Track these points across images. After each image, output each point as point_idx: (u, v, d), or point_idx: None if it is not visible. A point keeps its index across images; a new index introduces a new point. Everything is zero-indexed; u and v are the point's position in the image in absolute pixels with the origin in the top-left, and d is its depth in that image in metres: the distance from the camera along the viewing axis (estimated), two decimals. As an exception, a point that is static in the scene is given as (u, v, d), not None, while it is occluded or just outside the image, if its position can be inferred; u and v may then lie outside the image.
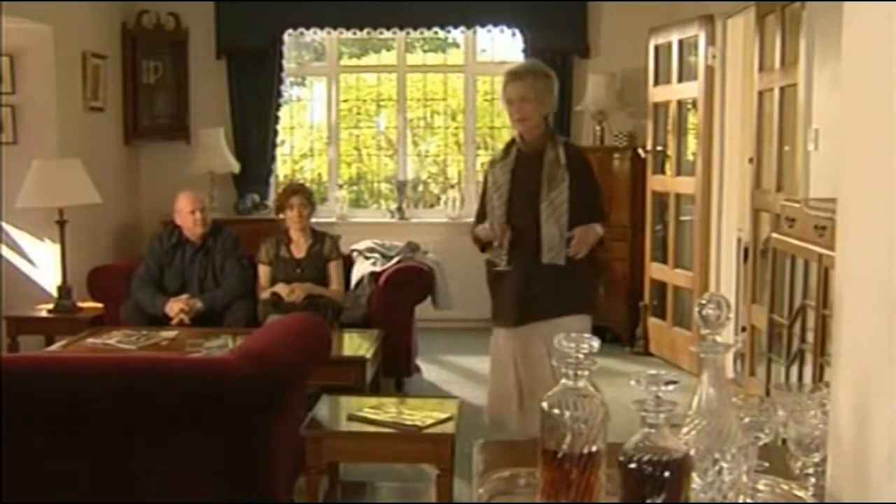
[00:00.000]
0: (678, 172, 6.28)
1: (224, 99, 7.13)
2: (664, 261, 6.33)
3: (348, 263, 5.65)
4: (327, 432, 3.44)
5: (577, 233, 3.55)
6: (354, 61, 7.98)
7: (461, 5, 6.95)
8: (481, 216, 3.84)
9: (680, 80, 6.13)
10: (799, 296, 3.96)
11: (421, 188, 7.89)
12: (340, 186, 7.60)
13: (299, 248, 5.40)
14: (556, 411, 1.43)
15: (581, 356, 1.44)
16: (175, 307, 5.07)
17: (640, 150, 6.51)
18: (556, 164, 3.61)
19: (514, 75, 3.71)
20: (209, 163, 6.86)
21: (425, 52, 8.03)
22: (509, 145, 3.79)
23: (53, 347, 4.78)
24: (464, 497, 3.35)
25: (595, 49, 7.04)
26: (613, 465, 1.34)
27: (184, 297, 5.13)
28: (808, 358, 3.81)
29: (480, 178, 7.94)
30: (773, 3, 4.80)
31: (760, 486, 1.51)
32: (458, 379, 5.81)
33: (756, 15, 5.08)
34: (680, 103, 6.20)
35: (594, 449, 1.40)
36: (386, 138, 7.93)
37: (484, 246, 3.80)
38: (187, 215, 5.25)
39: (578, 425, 1.40)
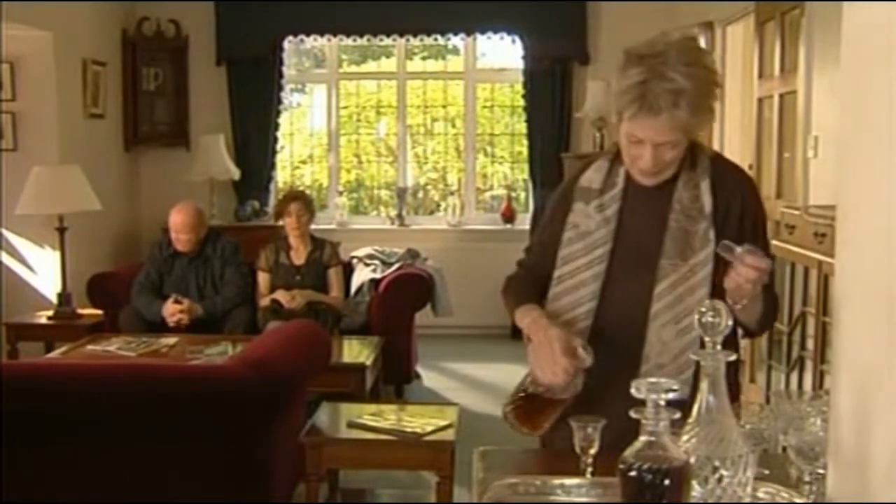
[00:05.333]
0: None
1: (224, 106, 7.13)
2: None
3: (348, 270, 5.64)
4: (327, 439, 3.43)
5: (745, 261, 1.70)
6: (354, 68, 7.99)
7: (461, 13, 6.96)
8: (528, 281, 2.11)
9: (679, 86, 6.12)
10: (799, 303, 3.96)
11: (421, 195, 7.90)
12: (340, 193, 7.60)
13: (299, 255, 5.40)
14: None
15: (585, 366, 1.45)
16: (172, 308, 5.05)
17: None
18: (692, 210, 1.95)
19: (647, 104, 1.83)
20: (209, 169, 6.87)
21: (425, 59, 8.04)
22: (614, 161, 2.06)
23: (53, 354, 4.78)
24: (464, 504, 3.35)
25: (595, 56, 7.04)
26: (613, 473, 1.33)
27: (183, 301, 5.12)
28: (808, 365, 3.80)
29: (480, 183, 7.99)
30: (774, 2, 4.80)
31: (761, 494, 1.52)
32: (458, 386, 5.81)
33: (755, 22, 5.09)
34: (680, 110, 6.20)
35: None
36: (386, 145, 7.93)
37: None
38: (173, 234, 5.24)
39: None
